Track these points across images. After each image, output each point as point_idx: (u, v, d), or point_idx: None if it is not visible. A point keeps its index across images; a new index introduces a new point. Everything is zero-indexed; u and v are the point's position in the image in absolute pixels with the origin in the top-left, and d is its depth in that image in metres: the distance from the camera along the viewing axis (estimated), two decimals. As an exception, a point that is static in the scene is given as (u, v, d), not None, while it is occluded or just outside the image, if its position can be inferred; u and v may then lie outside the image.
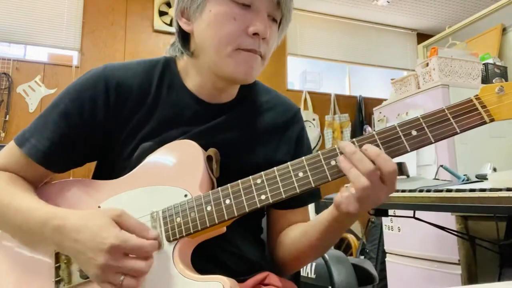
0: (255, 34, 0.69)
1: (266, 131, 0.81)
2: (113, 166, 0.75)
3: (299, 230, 0.78)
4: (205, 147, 0.70)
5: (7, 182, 0.71)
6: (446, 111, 0.58)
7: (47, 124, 0.72)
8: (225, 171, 0.69)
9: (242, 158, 0.77)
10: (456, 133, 0.58)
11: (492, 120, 0.57)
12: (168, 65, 0.80)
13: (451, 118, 0.58)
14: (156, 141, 0.72)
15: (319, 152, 0.61)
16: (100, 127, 0.73)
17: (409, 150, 0.58)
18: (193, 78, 0.78)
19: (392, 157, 0.58)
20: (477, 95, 0.59)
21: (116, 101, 0.73)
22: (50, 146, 0.71)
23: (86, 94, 0.73)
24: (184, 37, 0.77)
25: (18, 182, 0.72)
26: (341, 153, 0.59)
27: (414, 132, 0.58)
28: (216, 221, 0.62)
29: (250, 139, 0.79)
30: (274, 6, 0.71)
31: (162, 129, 0.74)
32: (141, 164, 0.71)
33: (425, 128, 0.58)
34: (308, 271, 1.65)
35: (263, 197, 0.61)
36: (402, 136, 0.59)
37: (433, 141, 0.58)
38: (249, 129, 0.80)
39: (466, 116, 0.58)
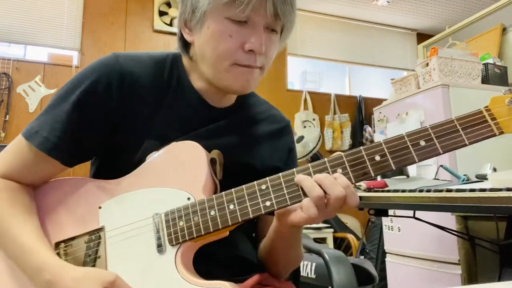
0: (251, 50, 0.69)
1: (262, 138, 0.83)
2: (114, 164, 0.74)
3: (264, 240, 0.80)
4: (206, 148, 0.70)
5: (7, 201, 0.69)
6: (456, 122, 0.57)
7: (59, 115, 0.70)
8: (224, 173, 0.70)
9: (241, 161, 0.77)
10: (465, 145, 0.56)
11: (501, 133, 0.56)
12: (176, 62, 0.79)
13: (460, 130, 0.57)
14: (160, 140, 0.72)
15: (325, 159, 0.61)
16: (112, 114, 0.72)
17: (417, 160, 0.58)
18: (197, 78, 0.78)
19: (400, 167, 0.59)
20: (487, 107, 0.57)
21: (129, 90, 0.72)
22: (64, 138, 0.69)
23: (100, 84, 0.71)
24: (186, 44, 0.77)
25: (19, 200, 0.70)
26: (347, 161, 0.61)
27: (422, 143, 0.58)
28: (220, 226, 0.62)
29: (248, 144, 0.81)
30: (272, 19, 0.70)
31: (167, 128, 0.74)
32: (143, 164, 0.70)
33: (434, 138, 0.57)
34: (308, 271, 1.65)
35: (268, 203, 0.61)
36: (410, 146, 0.58)
37: (441, 152, 0.57)
38: (247, 134, 0.82)
39: (475, 128, 0.57)
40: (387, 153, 0.59)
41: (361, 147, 0.60)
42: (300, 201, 0.61)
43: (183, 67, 0.79)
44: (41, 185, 0.74)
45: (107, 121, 0.72)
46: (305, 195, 0.60)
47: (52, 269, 0.62)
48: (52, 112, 0.71)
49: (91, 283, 0.59)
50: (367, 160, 0.59)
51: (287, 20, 0.72)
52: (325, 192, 0.58)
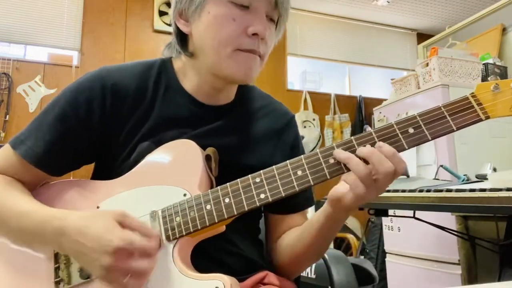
0: (254, 34, 0.69)
1: (262, 136, 0.82)
2: (111, 167, 0.75)
3: (294, 234, 0.78)
4: (202, 149, 0.70)
5: (4, 185, 0.70)
6: (443, 109, 0.59)
7: (42, 127, 0.72)
8: (222, 174, 0.69)
9: (239, 162, 0.77)
10: (453, 131, 0.58)
11: (487, 118, 0.58)
12: (164, 67, 0.80)
13: (447, 116, 0.58)
14: (153, 141, 0.72)
15: (317, 150, 0.61)
16: (96, 129, 0.73)
17: (406, 147, 0.59)
18: (190, 79, 0.78)
19: None
20: (473, 93, 0.59)
21: (112, 103, 0.73)
22: (46, 148, 0.71)
23: (82, 97, 0.72)
24: (183, 38, 0.77)
25: (15, 184, 0.72)
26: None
27: (411, 130, 0.59)
28: (216, 220, 0.62)
29: (247, 143, 0.79)
30: (272, 6, 0.71)
31: (160, 130, 0.74)
32: (139, 164, 0.71)
33: (422, 125, 0.58)
34: (308, 271, 1.65)
35: (262, 196, 0.61)
36: (399, 134, 0.59)
37: (430, 139, 0.58)
38: (246, 133, 0.80)
39: (462, 113, 0.58)
40: (377, 142, 0.59)
41: (352, 137, 0.61)
42: (293, 192, 0.60)
43: (173, 70, 0.79)
44: (33, 187, 0.75)
45: (92, 132, 0.73)
46: (300, 185, 0.60)
47: (58, 216, 0.63)
48: (39, 123, 0.73)
49: (101, 219, 0.59)
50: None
51: (284, 9, 0.73)
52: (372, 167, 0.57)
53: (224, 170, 0.70)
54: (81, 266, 0.64)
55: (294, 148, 0.86)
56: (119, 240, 0.56)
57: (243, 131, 0.80)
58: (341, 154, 0.59)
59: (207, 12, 0.70)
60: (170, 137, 0.72)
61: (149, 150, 0.71)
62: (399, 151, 0.59)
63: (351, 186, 0.58)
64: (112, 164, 0.75)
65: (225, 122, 0.78)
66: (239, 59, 0.70)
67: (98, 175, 0.78)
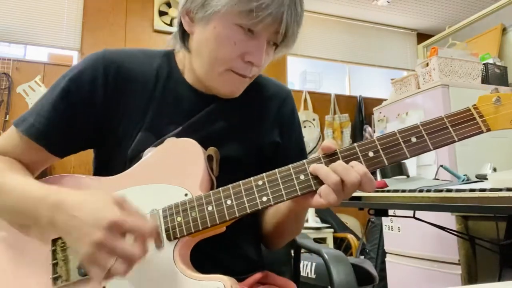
0: (250, 62, 0.70)
1: (258, 114, 0.82)
2: (110, 159, 0.75)
3: (271, 211, 0.82)
4: (203, 137, 0.71)
5: (3, 163, 0.70)
6: (445, 120, 0.60)
7: (45, 105, 0.72)
8: (222, 159, 0.70)
9: (238, 144, 0.77)
10: (454, 141, 0.59)
11: (488, 130, 0.59)
12: (167, 58, 0.81)
13: (449, 127, 0.59)
14: (153, 131, 0.73)
15: (320, 155, 0.62)
16: (98, 109, 0.73)
17: (408, 156, 0.60)
18: (190, 71, 0.78)
19: (392, 163, 0.60)
20: (475, 105, 0.60)
21: (115, 84, 0.74)
22: (49, 125, 0.71)
23: (85, 75, 0.73)
24: (184, 33, 0.77)
25: (14, 164, 0.72)
26: (342, 157, 0.61)
27: (413, 139, 0.60)
28: (217, 221, 0.62)
29: (244, 124, 0.80)
30: (280, 36, 0.70)
31: (159, 119, 0.74)
32: (140, 161, 0.71)
33: (425, 135, 0.60)
34: (308, 271, 1.65)
35: (264, 198, 0.62)
36: (402, 143, 0.60)
37: (432, 149, 0.59)
38: (242, 114, 0.80)
39: (464, 125, 0.59)
40: (380, 150, 0.60)
41: (355, 144, 0.62)
42: (296, 196, 0.61)
43: (174, 62, 0.80)
44: (35, 170, 0.75)
45: (94, 112, 0.73)
46: (302, 190, 0.61)
47: (57, 191, 0.61)
48: (42, 101, 0.74)
49: (102, 197, 0.57)
50: (360, 157, 0.61)
51: (292, 40, 0.73)
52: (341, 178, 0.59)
53: (224, 153, 0.71)
54: (70, 246, 0.62)
55: (290, 124, 0.86)
56: (114, 215, 0.54)
57: (240, 112, 0.80)
58: (311, 167, 0.61)
59: (212, 26, 0.70)
60: (169, 127, 0.73)
61: (148, 139, 0.72)
62: (401, 159, 0.60)
63: (322, 194, 0.60)
64: (111, 155, 0.75)
65: (221, 106, 0.78)
66: (228, 79, 0.72)
67: (98, 170, 0.78)
